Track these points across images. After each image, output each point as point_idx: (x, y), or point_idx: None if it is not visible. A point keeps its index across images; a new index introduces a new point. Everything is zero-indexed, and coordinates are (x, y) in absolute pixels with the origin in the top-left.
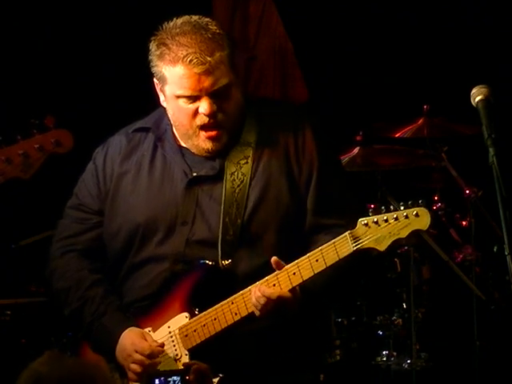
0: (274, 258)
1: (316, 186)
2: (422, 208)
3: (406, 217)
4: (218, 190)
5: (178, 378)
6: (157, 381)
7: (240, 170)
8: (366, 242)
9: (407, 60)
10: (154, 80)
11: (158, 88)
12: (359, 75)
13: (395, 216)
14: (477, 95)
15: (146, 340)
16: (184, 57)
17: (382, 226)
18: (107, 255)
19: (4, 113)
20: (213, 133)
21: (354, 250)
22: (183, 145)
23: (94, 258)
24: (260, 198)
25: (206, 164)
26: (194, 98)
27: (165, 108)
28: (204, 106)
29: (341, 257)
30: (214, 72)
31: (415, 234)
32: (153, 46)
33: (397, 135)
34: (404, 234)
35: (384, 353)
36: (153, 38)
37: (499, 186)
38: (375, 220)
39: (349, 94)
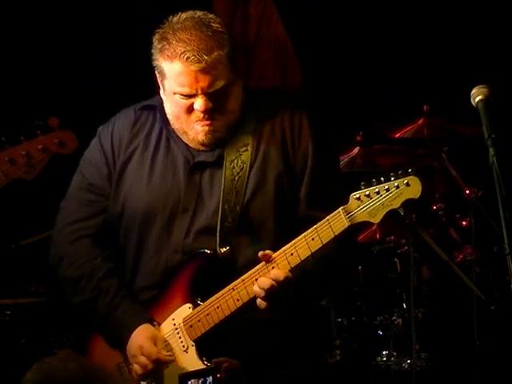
0: (260, 253)
1: (309, 177)
2: (412, 176)
3: (397, 187)
4: (218, 177)
5: (211, 378)
6: (189, 383)
7: (240, 158)
8: (359, 216)
9: (407, 60)
10: (156, 72)
11: (158, 80)
12: (359, 75)
13: (386, 187)
14: (477, 95)
15: (155, 345)
16: (181, 53)
17: (374, 198)
18: (113, 240)
19: (8, 113)
20: (207, 126)
21: (348, 225)
22: None
23: (105, 245)
24: (258, 185)
25: (207, 150)
26: (190, 97)
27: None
28: (199, 102)
29: (336, 233)
30: (210, 72)
31: (409, 202)
32: (155, 40)
33: (397, 135)
34: (397, 204)
35: (384, 353)
36: (157, 30)
37: (499, 186)
38: (367, 193)
39: (349, 94)
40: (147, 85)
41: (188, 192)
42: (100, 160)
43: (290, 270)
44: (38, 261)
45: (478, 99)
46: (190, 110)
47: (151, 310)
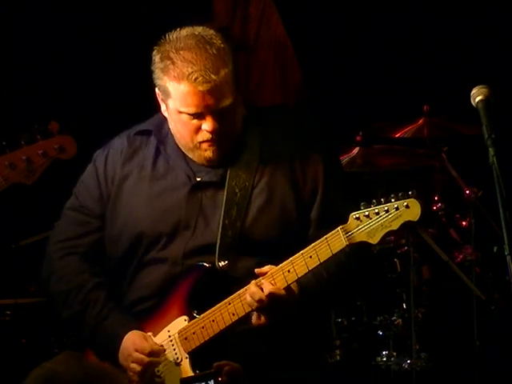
0: (256, 270)
1: (321, 200)
2: (412, 199)
3: (397, 209)
4: (221, 196)
5: (212, 382)
6: None
7: (242, 175)
8: (358, 236)
9: (407, 60)
10: (156, 90)
11: (159, 97)
12: (359, 75)
13: (386, 208)
14: (477, 95)
15: (146, 340)
16: (189, 74)
17: (373, 219)
18: (107, 259)
19: (8, 118)
20: (214, 146)
21: (346, 245)
22: None
23: (93, 262)
24: (264, 204)
25: (210, 169)
26: (197, 116)
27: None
28: (208, 124)
29: (334, 252)
30: (218, 91)
31: (407, 225)
32: (156, 58)
33: (397, 135)
34: (395, 225)
35: (384, 353)
36: (156, 48)
37: (499, 186)
38: (366, 213)
39: (349, 94)
40: (148, 89)
41: (189, 209)
42: (93, 183)
43: (287, 287)
44: (38, 261)
45: (478, 99)
46: (197, 130)
47: (146, 321)
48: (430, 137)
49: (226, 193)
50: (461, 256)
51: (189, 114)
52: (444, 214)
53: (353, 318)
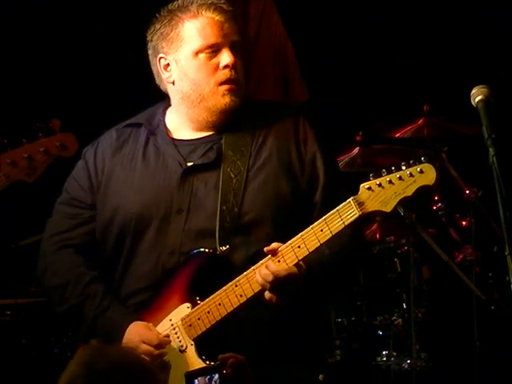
0: (265, 248)
1: (324, 184)
2: (425, 164)
3: (411, 175)
4: (214, 179)
5: (217, 375)
6: (196, 381)
7: (237, 161)
8: (371, 205)
9: (407, 60)
10: (157, 60)
11: (160, 68)
12: (359, 75)
13: (399, 176)
14: (477, 95)
15: (151, 331)
16: (208, 6)
17: (386, 187)
18: (100, 249)
19: (10, 116)
20: (232, 86)
21: (360, 215)
22: (176, 137)
23: (88, 254)
24: (258, 188)
25: (200, 153)
26: (215, 48)
27: (168, 90)
28: (225, 56)
29: (346, 223)
30: (233, 22)
31: (422, 190)
32: (162, 20)
33: (397, 135)
34: (410, 191)
35: (384, 353)
36: (159, 14)
37: (499, 185)
38: (378, 183)
39: (349, 94)
40: (149, 86)
41: (181, 193)
42: (82, 175)
43: (297, 263)
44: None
45: (478, 99)
46: (214, 70)
47: (146, 312)
48: (429, 137)
49: (221, 179)
50: (461, 256)
51: (208, 47)
52: (444, 213)
53: (353, 318)
